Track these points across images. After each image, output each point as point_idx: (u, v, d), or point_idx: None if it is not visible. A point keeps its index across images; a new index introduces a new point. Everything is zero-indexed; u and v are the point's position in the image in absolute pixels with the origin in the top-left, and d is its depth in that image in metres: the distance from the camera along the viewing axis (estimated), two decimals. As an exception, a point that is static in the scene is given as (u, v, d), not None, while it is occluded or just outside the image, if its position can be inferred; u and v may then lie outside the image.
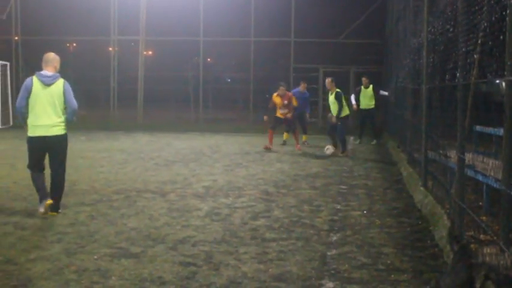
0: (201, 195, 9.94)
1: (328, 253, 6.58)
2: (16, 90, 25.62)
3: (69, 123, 8.34)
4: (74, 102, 8.22)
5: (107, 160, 14.39)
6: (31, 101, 8.06)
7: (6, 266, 5.93)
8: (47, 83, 8.06)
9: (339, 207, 9.16)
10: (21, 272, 5.75)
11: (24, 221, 7.91)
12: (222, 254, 6.46)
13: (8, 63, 24.69)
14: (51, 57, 8.33)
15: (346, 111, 16.17)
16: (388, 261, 6.25)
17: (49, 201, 8.14)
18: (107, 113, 26.06)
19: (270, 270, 5.92)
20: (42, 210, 8.13)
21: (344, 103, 16.06)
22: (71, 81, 8.30)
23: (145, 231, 7.44)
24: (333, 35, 25.42)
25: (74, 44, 31.99)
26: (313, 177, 12.09)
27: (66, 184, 10.38)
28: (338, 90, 16.07)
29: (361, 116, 19.97)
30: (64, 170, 8.50)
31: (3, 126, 24.01)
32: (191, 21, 25.30)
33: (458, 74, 6.63)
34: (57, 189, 8.38)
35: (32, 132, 8.14)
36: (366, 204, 9.43)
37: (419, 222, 8.06)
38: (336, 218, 8.41)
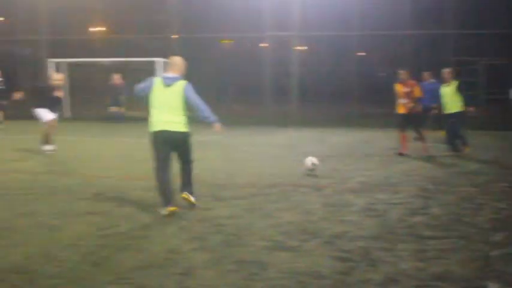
0: (357, 191, 9.84)
1: (492, 253, 6.28)
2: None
3: (207, 120, 8.36)
4: (197, 103, 8.28)
5: (263, 154, 14.62)
6: (153, 98, 8.26)
7: (171, 254, 6.17)
8: (167, 83, 8.26)
9: (502, 206, 8.72)
10: (185, 260, 5.96)
11: (184, 211, 8.17)
12: (379, 250, 6.34)
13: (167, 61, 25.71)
14: (176, 60, 8.56)
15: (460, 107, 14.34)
16: (559, 265, 5.88)
17: (172, 208, 8.08)
18: (262, 108, 26.47)
19: (430, 268, 5.74)
20: (164, 212, 8.10)
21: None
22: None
23: (301, 225, 7.46)
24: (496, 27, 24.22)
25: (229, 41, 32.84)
26: (473, 174, 11.61)
27: (224, 177, 10.75)
28: (458, 81, 14.58)
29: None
30: (190, 168, 8.54)
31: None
32: (346, 16, 25.13)
33: None
34: (185, 186, 8.47)
35: (153, 127, 8.26)
36: (531, 203, 8.94)
37: None
38: (498, 217, 8.02)
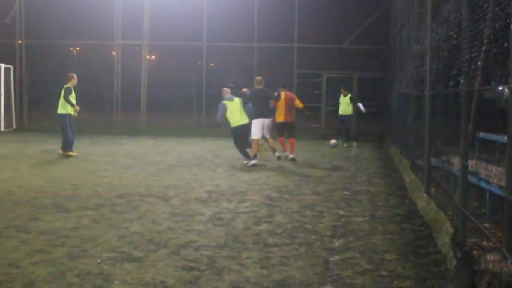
0: (204, 200, 9.95)
1: (331, 259, 6.58)
2: (19, 93, 25.69)
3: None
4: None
5: (111, 164, 14.41)
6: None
7: (9, 269, 5.93)
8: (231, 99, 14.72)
9: (341, 213, 9.16)
10: (24, 275, 5.75)
11: (27, 224, 7.92)
12: (225, 259, 6.46)
13: (11, 67, 24.77)
14: (226, 89, 15.31)
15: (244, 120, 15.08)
16: (391, 268, 6.25)
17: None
18: (110, 117, 26.11)
19: (273, 275, 5.92)
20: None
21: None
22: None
23: (148, 235, 7.44)
24: (336, 41, 25.45)
25: (77, 48, 32.10)
26: (315, 183, 12.09)
27: (69, 188, 10.53)
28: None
29: (340, 120, 21.63)
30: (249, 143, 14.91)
31: (6, 130, 24.06)
32: (195, 26, 25.36)
33: (462, 81, 6.63)
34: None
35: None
36: (368, 210, 9.43)
37: (422, 229, 8.05)
38: (338, 223, 8.41)
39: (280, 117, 16.50)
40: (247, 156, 14.77)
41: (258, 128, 15.07)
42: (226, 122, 15.05)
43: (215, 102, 25.85)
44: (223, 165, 14.54)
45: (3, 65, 24.17)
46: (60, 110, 15.84)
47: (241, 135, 15.05)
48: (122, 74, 26.13)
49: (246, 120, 15.01)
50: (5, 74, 24.20)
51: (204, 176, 12.68)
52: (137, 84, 26.05)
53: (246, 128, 15.07)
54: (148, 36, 25.90)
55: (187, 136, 22.98)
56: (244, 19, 25.23)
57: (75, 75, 16.17)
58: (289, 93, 16.88)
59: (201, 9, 25.26)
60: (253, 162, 14.52)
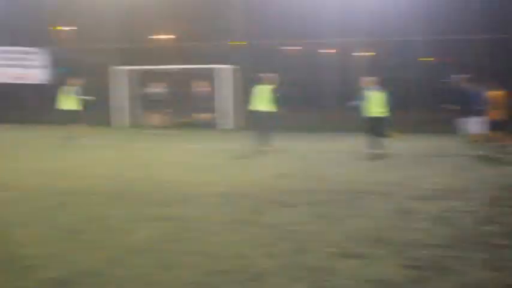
0: (428, 198, 9.67)
1: None
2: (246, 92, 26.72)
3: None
4: None
5: (330, 161, 14.61)
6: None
7: (240, 260, 6.19)
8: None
9: None
10: (253, 266, 5.96)
11: (252, 218, 8.22)
12: (451, 259, 6.22)
13: (237, 67, 25.70)
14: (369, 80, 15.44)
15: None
16: None
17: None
18: (325, 114, 26.25)
19: (503, 278, 5.59)
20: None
21: None
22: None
23: (370, 232, 7.39)
24: None
25: (297, 48, 32.71)
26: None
27: (290, 184, 10.73)
28: None
29: None
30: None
31: (227, 128, 25.08)
32: (411, 20, 24.74)
33: None
34: None
35: None
36: None
37: None
38: None
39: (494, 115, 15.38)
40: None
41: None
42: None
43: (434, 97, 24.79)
44: (444, 163, 14.06)
45: (230, 67, 25.25)
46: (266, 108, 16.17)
47: (374, 125, 15.28)
48: (335, 71, 26.12)
49: (381, 112, 15.35)
50: (232, 75, 25.26)
51: (426, 173, 12.34)
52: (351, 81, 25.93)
53: (378, 120, 15.27)
54: (362, 33, 25.59)
55: (405, 132, 22.36)
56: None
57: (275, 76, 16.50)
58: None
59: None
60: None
